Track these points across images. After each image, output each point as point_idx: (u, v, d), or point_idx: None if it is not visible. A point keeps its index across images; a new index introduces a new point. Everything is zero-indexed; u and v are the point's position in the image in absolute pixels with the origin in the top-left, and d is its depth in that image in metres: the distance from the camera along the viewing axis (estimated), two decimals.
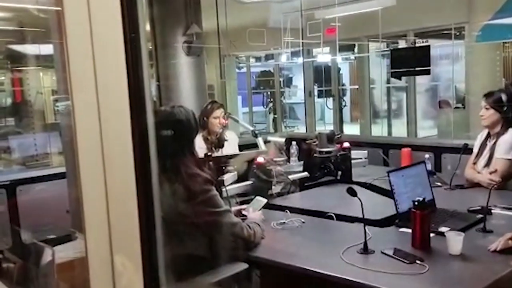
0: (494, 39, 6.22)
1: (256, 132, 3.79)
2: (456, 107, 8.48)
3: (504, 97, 3.01)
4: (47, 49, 5.85)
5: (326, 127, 10.03)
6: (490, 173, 2.97)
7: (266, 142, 3.76)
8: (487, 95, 3.10)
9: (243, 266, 2.04)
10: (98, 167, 0.70)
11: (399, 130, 9.37)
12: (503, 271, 1.77)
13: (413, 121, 8.45)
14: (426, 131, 9.17)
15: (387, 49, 8.29)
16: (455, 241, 1.94)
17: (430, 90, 9.55)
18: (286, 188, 3.09)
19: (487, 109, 3.05)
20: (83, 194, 0.70)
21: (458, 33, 7.03)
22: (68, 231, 2.28)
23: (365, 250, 2.02)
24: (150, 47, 4.61)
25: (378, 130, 9.54)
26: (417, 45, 7.42)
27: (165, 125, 1.99)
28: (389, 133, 9.41)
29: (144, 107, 0.71)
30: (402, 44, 8.53)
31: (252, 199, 2.70)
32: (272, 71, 11.40)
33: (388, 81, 9.56)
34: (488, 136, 3.12)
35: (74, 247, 2.15)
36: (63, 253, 2.05)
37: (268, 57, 11.29)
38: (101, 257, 0.69)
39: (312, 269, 1.88)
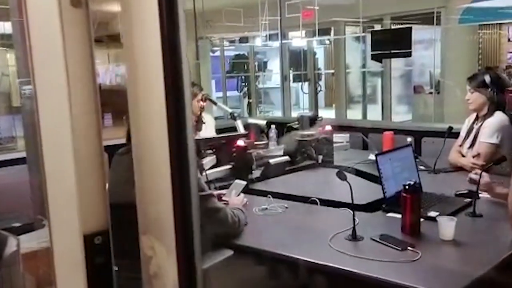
0: (476, 21, 6.23)
1: (235, 114, 3.66)
2: (430, 93, 8.52)
3: (487, 78, 2.95)
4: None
5: (302, 111, 9.95)
6: (473, 156, 2.92)
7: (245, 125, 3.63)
8: (471, 79, 3.04)
9: (229, 252, 1.93)
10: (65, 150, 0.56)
11: (374, 114, 9.38)
12: (500, 257, 1.70)
13: (388, 106, 8.47)
14: (401, 116, 9.20)
15: (364, 33, 8.23)
16: (447, 226, 1.86)
17: (404, 75, 9.57)
18: (267, 173, 2.98)
19: (472, 92, 2.99)
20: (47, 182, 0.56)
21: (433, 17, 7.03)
22: (34, 219, 2.13)
23: (354, 237, 1.93)
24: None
25: (353, 115, 9.52)
26: (398, 27, 7.38)
27: None
28: (364, 117, 9.40)
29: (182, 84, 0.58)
30: (378, 28, 8.48)
31: (231, 184, 2.59)
32: (246, 54, 11.24)
33: (363, 66, 9.54)
34: (476, 118, 3.07)
35: (40, 236, 2.00)
36: (29, 242, 1.90)
37: (242, 41, 11.11)
38: (68, 247, 0.56)
39: (300, 257, 1.77)
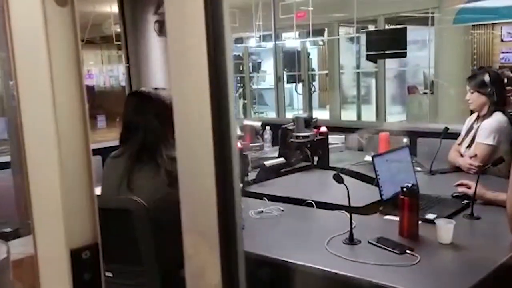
0: (470, 22, 6.24)
1: None
2: (424, 93, 8.53)
3: (487, 78, 2.93)
4: None
5: (297, 112, 9.93)
6: (471, 157, 2.90)
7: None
8: (470, 78, 3.02)
9: None
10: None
11: (368, 115, 9.37)
12: (499, 260, 1.67)
13: (382, 106, 8.46)
14: (395, 116, 9.20)
15: (358, 34, 8.22)
16: (446, 229, 1.84)
17: (398, 75, 9.58)
18: (262, 175, 2.95)
19: (472, 93, 2.97)
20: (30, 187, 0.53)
21: (426, 18, 7.03)
22: (22, 224, 2.08)
23: (351, 240, 1.89)
24: (119, 29, 4.39)
25: (348, 116, 9.52)
26: (392, 27, 7.38)
27: (150, 106, 1.91)
28: (358, 118, 9.40)
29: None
30: (372, 29, 8.47)
31: None
32: (241, 55, 11.20)
33: (357, 67, 9.53)
34: (477, 118, 3.05)
35: (31, 242, 1.95)
36: (20, 248, 1.86)
37: (237, 41, 11.08)
38: (54, 263, 0.53)
39: (297, 262, 1.74)
